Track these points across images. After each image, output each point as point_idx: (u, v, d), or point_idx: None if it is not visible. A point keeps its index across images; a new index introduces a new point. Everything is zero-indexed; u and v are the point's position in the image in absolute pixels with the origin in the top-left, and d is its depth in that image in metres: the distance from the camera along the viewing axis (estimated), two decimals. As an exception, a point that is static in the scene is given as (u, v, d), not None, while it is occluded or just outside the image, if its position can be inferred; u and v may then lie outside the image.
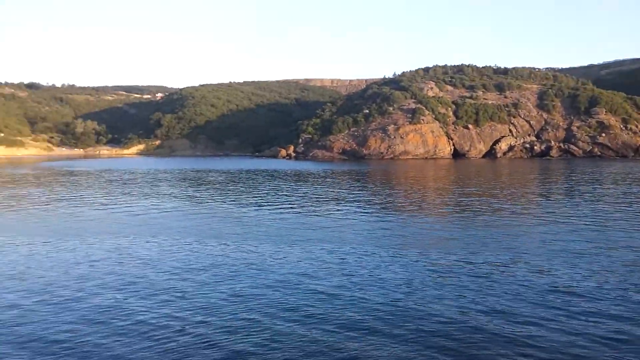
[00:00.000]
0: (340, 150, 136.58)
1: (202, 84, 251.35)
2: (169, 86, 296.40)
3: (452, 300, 15.60)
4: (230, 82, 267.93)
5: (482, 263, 20.21)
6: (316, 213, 34.75)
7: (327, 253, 22.00)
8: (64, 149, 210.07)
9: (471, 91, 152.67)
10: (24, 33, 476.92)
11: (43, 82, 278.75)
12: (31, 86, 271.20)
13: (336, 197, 45.54)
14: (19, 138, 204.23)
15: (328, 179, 68.61)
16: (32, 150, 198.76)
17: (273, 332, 12.93)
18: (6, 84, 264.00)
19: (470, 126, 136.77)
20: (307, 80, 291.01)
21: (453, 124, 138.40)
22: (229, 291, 16.42)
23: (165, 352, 11.74)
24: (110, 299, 15.64)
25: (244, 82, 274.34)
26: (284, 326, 13.36)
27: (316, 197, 44.96)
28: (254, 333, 12.86)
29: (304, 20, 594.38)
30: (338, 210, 36.34)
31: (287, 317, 14.05)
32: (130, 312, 14.44)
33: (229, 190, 53.85)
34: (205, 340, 12.43)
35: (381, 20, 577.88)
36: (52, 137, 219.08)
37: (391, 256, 21.48)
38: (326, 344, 12.28)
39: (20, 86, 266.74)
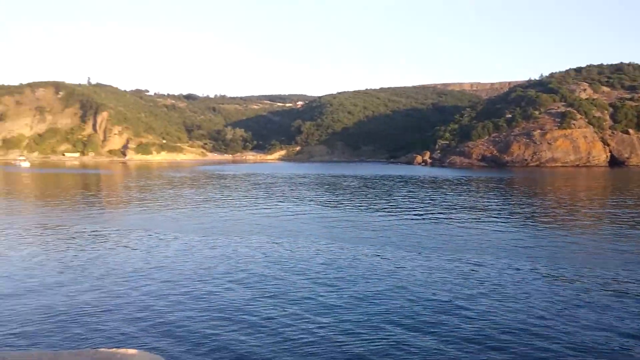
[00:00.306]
0: (480, 157, 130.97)
1: (339, 91, 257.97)
2: (309, 94, 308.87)
3: (598, 322, 14.08)
4: (366, 89, 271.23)
5: None
6: (451, 221, 33.68)
7: (461, 263, 21.19)
8: (215, 154, 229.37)
9: (632, 92, 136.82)
10: (183, 51, 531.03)
11: (199, 94, 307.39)
12: (189, 97, 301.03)
13: (473, 205, 43.71)
14: (178, 144, 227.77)
15: (465, 187, 66.14)
16: (189, 155, 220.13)
17: (395, 339, 12.77)
18: (168, 95, 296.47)
19: (630, 131, 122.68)
20: (445, 84, 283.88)
21: (610, 128, 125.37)
22: (354, 294, 16.60)
23: (290, 349, 12.22)
24: (244, 295, 16.70)
25: (380, 88, 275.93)
26: (407, 334, 13.13)
27: (452, 205, 43.58)
28: (376, 339, 12.84)
29: (441, 23, 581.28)
30: (475, 219, 34.83)
31: (410, 325, 13.78)
32: (261, 309, 15.27)
33: (362, 195, 54.48)
34: (329, 341, 12.70)
35: (526, 19, 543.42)
36: (205, 144, 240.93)
37: (532, 270, 20.01)
38: (449, 356, 11.85)
39: (179, 97, 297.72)
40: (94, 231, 29.60)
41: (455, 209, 41.12)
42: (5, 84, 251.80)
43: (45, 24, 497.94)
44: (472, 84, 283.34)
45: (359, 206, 43.50)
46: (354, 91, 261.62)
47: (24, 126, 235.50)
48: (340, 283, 18.10)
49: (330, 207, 43.20)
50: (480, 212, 38.42)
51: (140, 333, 13.25)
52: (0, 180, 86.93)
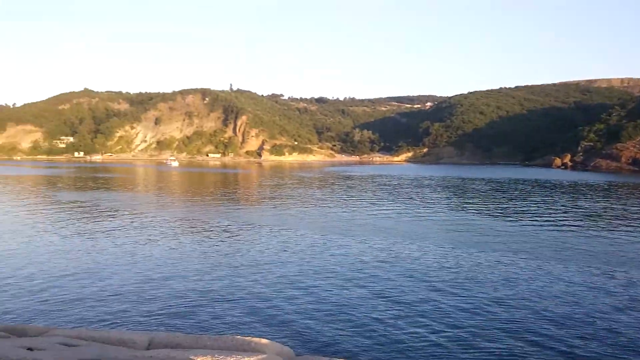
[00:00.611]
0: (630, 160, 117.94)
1: (471, 91, 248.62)
2: (438, 95, 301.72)
3: None
4: (500, 88, 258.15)
5: None
6: (589, 230, 30.99)
7: (597, 276, 19.44)
8: (343, 155, 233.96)
9: None
10: (316, 56, 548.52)
11: (329, 97, 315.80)
12: (320, 100, 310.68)
13: (618, 214, 39.71)
14: (308, 146, 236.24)
15: (610, 193, 60.23)
16: (318, 156, 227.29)
17: (514, 353, 12.22)
18: (301, 99, 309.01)
19: None
20: (590, 81, 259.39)
21: None
22: (473, 301, 16.08)
23: (401, 351, 12.33)
24: (360, 294, 16.99)
25: (516, 87, 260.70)
26: (527, 349, 12.45)
27: (593, 213, 40.04)
28: (492, 349, 12.42)
29: (586, 13, 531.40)
30: (618, 229, 31.66)
31: (532, 340, 12.93)
32: (375, 309, 15.47)
33: (491, 199, 52.21)
34: (440, 347, 12.53)
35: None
36: (334, 145, 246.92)
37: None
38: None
39: (311, 101, 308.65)
40: (230, 226, 32.16)
41: (597, 217, 37.72)
42: (161, 91, 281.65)
43: (195, 36, 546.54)
44: (622, 80, 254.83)
45: (487, 211, 41.78)
46: (487, 90, 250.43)
47: (175, 129, 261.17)
48: (458, 289, 17.68)
49: (456, 210, 42.08)
50: (624, 222, 34.83)
51: (259, 323, 14.23)
52: (153, 178, 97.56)
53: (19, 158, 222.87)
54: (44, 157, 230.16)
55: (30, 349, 5.45)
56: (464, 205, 46.17)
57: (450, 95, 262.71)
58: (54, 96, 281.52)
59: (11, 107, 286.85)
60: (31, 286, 17.48)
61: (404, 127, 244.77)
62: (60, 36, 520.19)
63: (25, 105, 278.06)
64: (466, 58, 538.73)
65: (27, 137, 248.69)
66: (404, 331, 13.66)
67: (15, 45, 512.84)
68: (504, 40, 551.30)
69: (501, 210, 42.56)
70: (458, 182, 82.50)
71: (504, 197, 54.49)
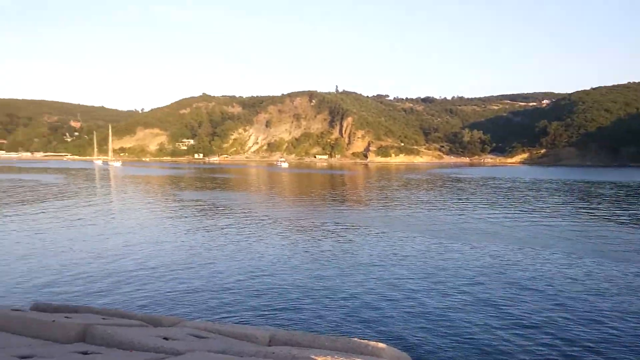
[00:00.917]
0: None
1: (594, 87, 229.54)
2: (557, 92, 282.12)
3: None
4: (628, 83, 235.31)
5: None
6: None
7: None
8: (451, 157, 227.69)
9: None
10: (422, 56, 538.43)
11: (436, 96, 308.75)
12: (426, 100, 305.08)
13: None
14: (415, 147, 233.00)
15: None
16: (425, 157, 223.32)
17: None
18: (407, 99, 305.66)
19: None
20: None
21: None
22: (594, 314, 14.82)
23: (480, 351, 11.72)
24: (464, 301, 16.41)
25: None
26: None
27: None
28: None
29: None
30: None
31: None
32: (479, 317, 14.86)
33: (623, 205, 47.74)
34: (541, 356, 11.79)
35: None
36: (442, 146, 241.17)
37: None
38: None
39: (417, 101, 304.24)
40: (336, 226, 32.61)
41: None
42: (271, 94, 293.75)
43: (302, 40, 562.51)
44: None
45: (615, 217, 38.21)
46: (612, 86, 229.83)
47: (284, 131, 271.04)
48: (579, 301, 16.29)
49: (579, 216, 39.02)
50: None
51: (364, 325, 14.20)
52: (265, 178, 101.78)
53: (147, 159, 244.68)
54: (169, 158, 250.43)
55: (165, 338, 5.88)
56: (589, 211, 42.65)
57: (569, 91, 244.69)
58: (176, 101, 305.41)
59: (140, 112, 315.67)
60: (157, 278, 18.99)
61: (517, 126, 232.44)
62: (180, 45, 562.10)
63: (152, 110, 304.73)
64: (587, 52, 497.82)
65: (154, 140, 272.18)
66: (515, 343, 12.95)
67: (144, 54, 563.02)
68: (630, 30, 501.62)
69: (632, 216, 38.72)
70: (581, 185, 76.50)
71: (636, 203, 49.57)
